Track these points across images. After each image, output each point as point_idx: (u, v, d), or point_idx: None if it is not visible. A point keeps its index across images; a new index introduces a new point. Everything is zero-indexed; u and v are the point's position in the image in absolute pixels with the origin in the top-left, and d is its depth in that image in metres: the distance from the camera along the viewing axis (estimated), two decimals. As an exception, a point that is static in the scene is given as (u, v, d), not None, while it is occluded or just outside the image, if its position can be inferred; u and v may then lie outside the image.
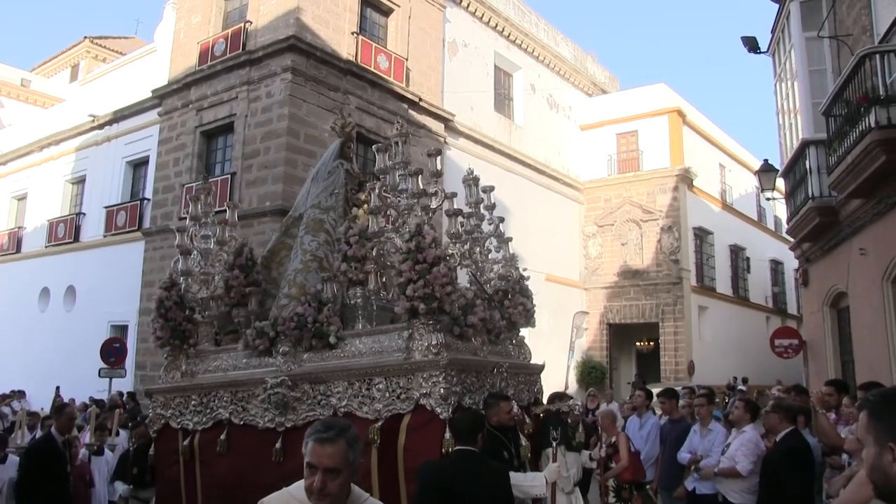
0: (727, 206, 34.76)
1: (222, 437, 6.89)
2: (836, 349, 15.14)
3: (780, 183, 18.09)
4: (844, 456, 6.89)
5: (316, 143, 19.65)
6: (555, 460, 6.31)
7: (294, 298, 7.10)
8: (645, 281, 30.33)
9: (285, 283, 7.54)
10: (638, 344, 33.14)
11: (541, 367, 7.91)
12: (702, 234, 31.94)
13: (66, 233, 26.06)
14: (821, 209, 13.83)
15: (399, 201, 7.31)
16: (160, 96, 22.86)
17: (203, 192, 8.67)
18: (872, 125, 10.15)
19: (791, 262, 27.23)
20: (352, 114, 20.57)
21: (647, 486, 9.59)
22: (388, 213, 7.35)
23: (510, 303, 7.51)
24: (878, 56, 10.47)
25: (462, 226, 7.54)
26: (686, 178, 30.48)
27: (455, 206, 7.65)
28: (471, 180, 8.15)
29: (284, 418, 6.48)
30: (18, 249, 28.78)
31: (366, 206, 7.98)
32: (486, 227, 8.11)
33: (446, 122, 23.99)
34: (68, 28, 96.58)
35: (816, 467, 7.37)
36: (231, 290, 7.55)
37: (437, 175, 7.64)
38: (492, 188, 8.33)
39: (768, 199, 21.16)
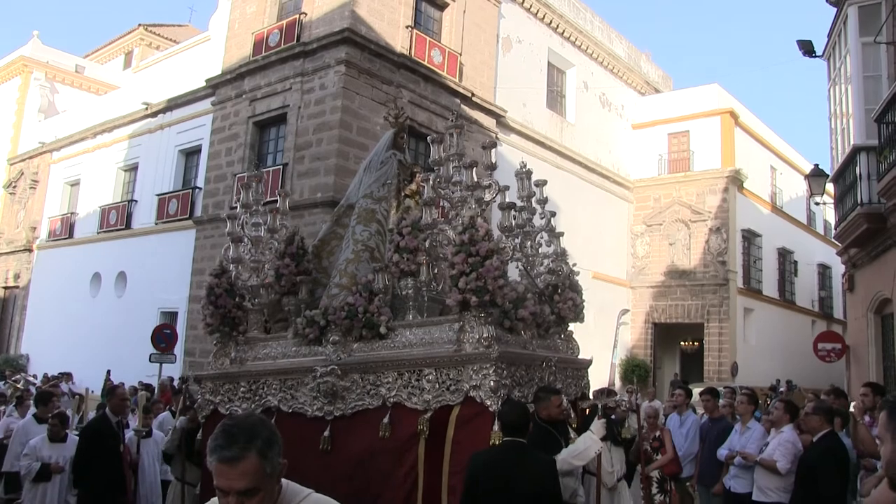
0: (777, 209, 34.42)
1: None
2: (878, 355, 15.23)
3: (830, 187, 17.93)
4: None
5: (368, 136, 19.69)
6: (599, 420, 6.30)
7: (345, 288, 7.12)
8: (691, 281, 30.17)
9: (336, 273, 7.55)
10: (682, 343, 33.01)
11: (588, 363, 7.93)
12: (750, 237, 31.67)
13: (119, 219, 26.41)
14: (869, 215, 13.84)
15: (452, 193, 7.26)
16: (214, 86, 23.05)
17: (254, 180, 8.67)
18: None
19: (839, 267, 26.87)
20: (404, 107, 20.59)
21: (687, 483, 9.98)
22: (442, 204, 7.34)
23: (560, 297, 7.52)
24: None
25: (514, 219, 7.50)
26: (736, 180, 30.22)
27: (507, 200, 7.61)
28: (524, 174, 8.09)
29: (333, 407, 6.50)
30: (71, 235, 29.23)
31: (417, 196, 8.04)
32: (538, 222, 8.07)
33: (498, 117, 23.93)
34: (122, 15, 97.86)
35: (851, 468, 7.52)
36: (281, 279, 7.58)
37: (492, 168, 7.58)
38: (544, 182, 8.31)
39: (817, 203, 21.00)
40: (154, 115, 26.05)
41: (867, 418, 8.47)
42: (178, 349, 20.02)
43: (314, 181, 19.19)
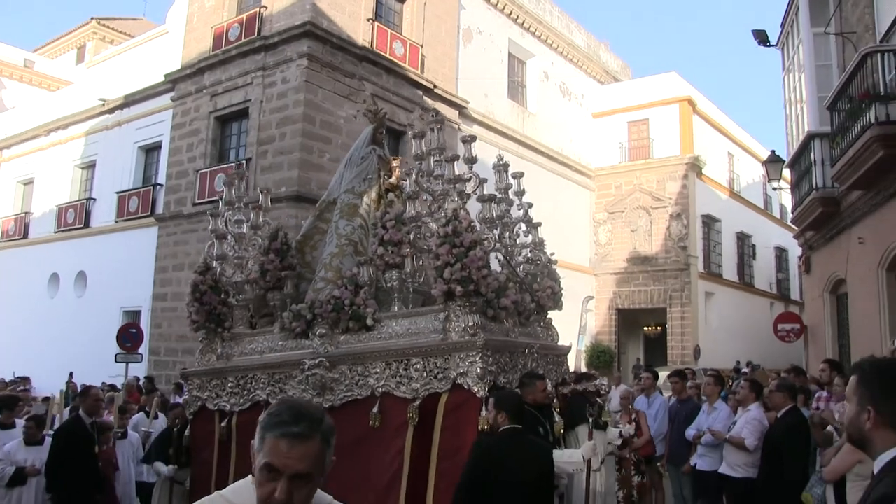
0: (734, 194, 34.94)
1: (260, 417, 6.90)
2: (834, 333, 15.72)
3: (787, 172, 18.30)
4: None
5: (332, 130, 19.62)
6: (591, 438, 6.41)
7: (331, 282, 7.22)
8: (653, 267, 30.58)
9: (321, 267, 7.63)
10: (646, 329, 33.48)
11: (567, 349, 8.19)
12: (709, 222, 32.15)
13: (77, 218, 25.93)
14: (823, 199, 14.29)
15: (434, 186, 7.41)
16: (173, 81, 22.74)
17: (237, 178, 8.72)
18: (873, 121, 10.60)
19: (795, 250, 27.49)
20: (367, 100, 20.52)
21: (658, 463, 10.47)
22: (424, 197, 7.42)
23: (539, 286, 7.72)
24: (879, 55, 10.89)
25: (484, 210, 7.62)
26: (695, 167, 30.61)
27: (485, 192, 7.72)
28: (500, 166, 8.27)
29: (322, 399, 6.59)
30: (26, 235, 28.59)
31: (398, 190, 8.16)
32: (515, 213, 8.24)
33: (460, 108, 23.97)
34: (73, 8, 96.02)
35: (812, 442, 7.99)
36: (266, 274, 7.66)
37: (472, 161, 7.69)
38: (521, 174, 8.54)
39: (774, 188, 21.44)
40: (111, 111, 25.58)
41: (825, 393, 9.15)
42: (143, 348, 19.76)
43: (278, 175, 19.05)
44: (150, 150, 24.45)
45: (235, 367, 7.45)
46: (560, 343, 8.07)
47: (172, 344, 20.85)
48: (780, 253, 38.93)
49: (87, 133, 26.78)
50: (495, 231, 7.65)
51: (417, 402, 6.07)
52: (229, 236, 8.34)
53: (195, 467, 7.77)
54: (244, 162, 19.81)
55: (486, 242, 6.81)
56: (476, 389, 5.85)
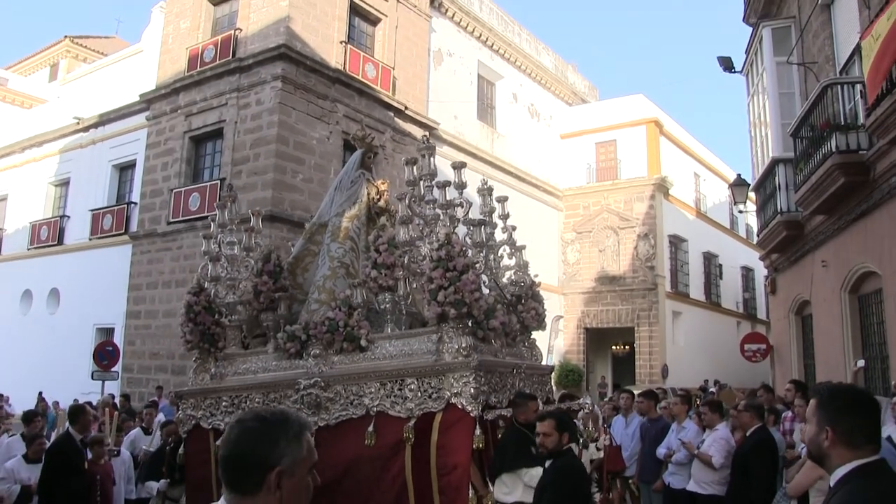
0: (701, 215, 35.50)
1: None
2: (800, 353, 16.08)
3: (752, 194, 18.75)
4: (800, 447, 8.02)
5: (305, 150, 19.96)
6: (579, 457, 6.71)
7: (324, 303, 7.37)
8: (621, 286, 31.02)
9: (314, 289, 7.79)
10: (614, 347, 33.86)
11: (551, 368, 8.44)
12: (676, 242, 32.66)
13: (50, 235, 26.00)
14: (788, 223, 14.64)
15: (425, 211, 7.67)
16: (148, 100, 22.99)
17: (229, 200, 8.91)
18: (833, 149, 11.07)
19: (761, 269, 27.95)
20: (339, 122, 20.93)
21: (630, 481, 10.55)
22: (417, 222, 7.70)
23: (523, 307, 7.90)
24: (839, 86, 11.38)
25: (474, 234, 7.92)
26: (662, 187, 31.16)
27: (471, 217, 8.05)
28: (485, 190, 8.54)
29: (318, 417, 6.74)
30: (-1, 251, 28.59)
31: (387, 213, 8.42)
32: (499, 235, 8.48)
33: (430, 130, 24.28)
34: (46, 26, 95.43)
35: (780, 460, 8.38)
36: (260, 296, 7.73)
37: (462, 187, 7.95)
38: (505, 198, 8.70)
39: (741, 211, 21.93)
40: (86, 129, 25.76)
41: (789, 413, 9.65)
42: (117, 366, 19.91)
43: (252, 195, 19.32)
44: (125, 169, 24.65)
45: (230, 386, 7.57)
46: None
47: (146, 361, 20.99)
48: (747, 272, 39.46)
49: (62, 151, 26.90)
50: (481, 254, 7.94)
51: (412, 422, 6.25)
52: (223, 258, 8.50)
53: (191, 485, 7.90)
54: (219, 182, 20.11)
55: (477, 266, 7.07)
56: (470, 409, 6.06)
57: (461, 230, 7.53)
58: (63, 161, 26.84)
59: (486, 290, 7.38)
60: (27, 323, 25.73)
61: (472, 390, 6.11)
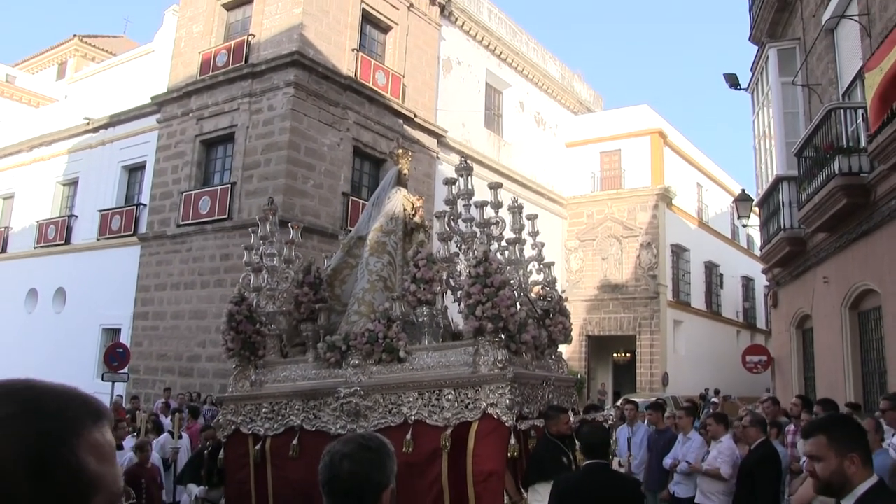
0: (703, 224, 35.78)
1: (294, 442, 7.42)
2: (800, 366, 16.34)
3: (755, 207, 19.03)
4: (803, 461, 8.16)
5: (316, 157, 20.15)
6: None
7: (364, 315, 7.67)
8: (623, 295, 31.26)
9: (354, 301, 8.07)
10: (615, 355, 34.05)
11: (576, 380, 8.59)
12: (679, 251, 32.90)
13: (57, 234, 26.10)
14: (791, 239, 14.97)
15: (462, 228, 7.95)
16: (159, 103, 23.15)
17: (270, 213, 9.14)
18: (837, 171, 11.42)
19: (761, 279, 28.24)
20: (350, 128, 21.13)
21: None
22: (455, 239, 7.99)
23: (551, 321, 8.19)
24: (842, 110, 11.72)
25: (509, 252, 8.19)
26: (665, 197, 31.41)
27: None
28: (515, 208, 8.81)
29: (357, 425, 6.99)
30: (4, 249, 28.63)
31: (422, 228, 8.72)
32: (528, 251, 8.76)
33: (439, 137, 24.60)
34: (54, 25, 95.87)
35: (783, 473, 8.56)
36: (301, 306, 8.05)
37: (498, 206, 8.19)
38: (535, 216, 9.02)
39: (744, 225, 22.16)
40: (96, 129, 25.92)
41: (792, 427, 9.86)
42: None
43: (262, 200, 19.15)
44: (134, 170, 24.80)
45: (270, 393, 7.84)
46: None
47: (153, 363, 21.13)
48: (747, 282, 39.76)
49: (71, 150, 27.05)
50: (516, 271, 8.21)
51: (449, 430, 6.53)
52: (264, 269, 8.71)
53: (230, 488, 8.12)
54: (230, 186, 20.30)
55: (512, 282, 7.33)
56: (505, 419, 6.34)
57: (493, 246, 7.77)
58: (72, 161, 26.98)
59: (518, 305, 7.63)
60: (32, 322, 25.85)
61: (508, 401, 6.38)
